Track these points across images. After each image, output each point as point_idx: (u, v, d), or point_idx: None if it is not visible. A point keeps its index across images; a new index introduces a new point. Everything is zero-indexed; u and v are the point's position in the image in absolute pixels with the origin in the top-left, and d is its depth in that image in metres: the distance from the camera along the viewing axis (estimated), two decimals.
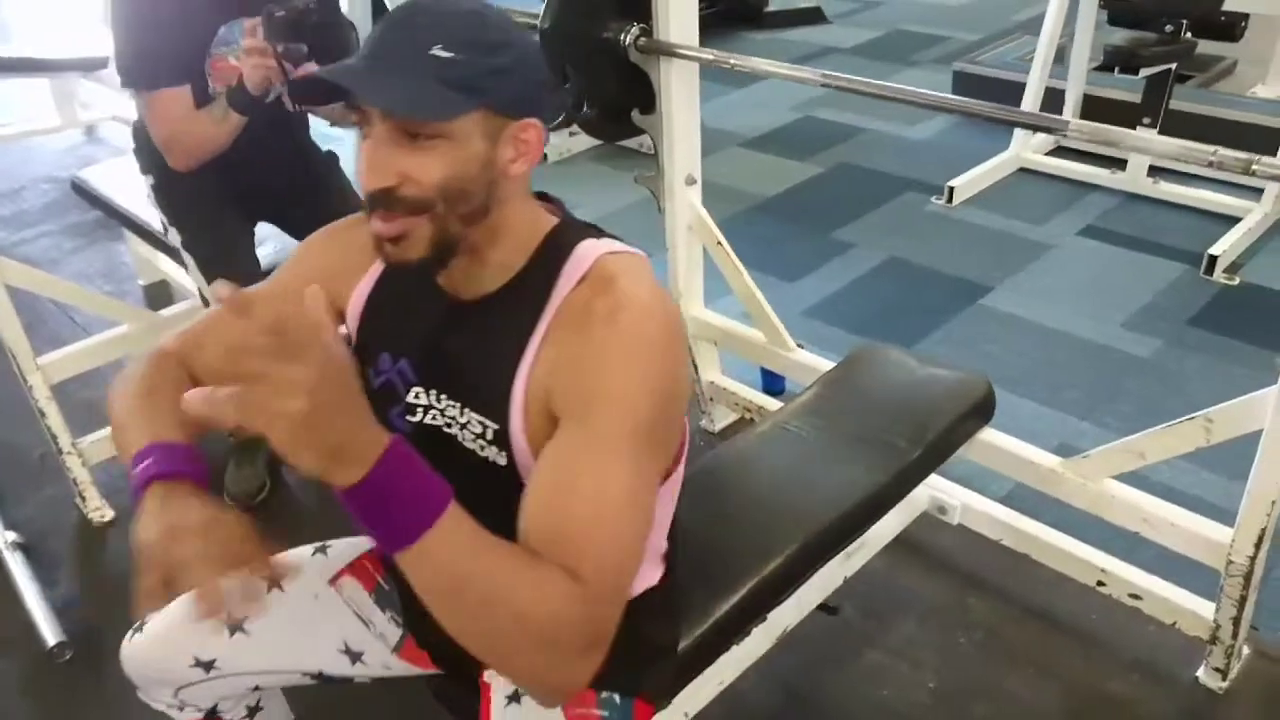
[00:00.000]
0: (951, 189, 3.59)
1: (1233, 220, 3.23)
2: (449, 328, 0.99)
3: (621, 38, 1.89)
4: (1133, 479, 1.72)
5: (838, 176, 3.96)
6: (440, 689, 1.24)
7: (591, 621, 0.82)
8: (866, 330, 2.85)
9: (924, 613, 1.94)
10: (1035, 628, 1.90)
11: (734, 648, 1.46)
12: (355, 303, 1.06)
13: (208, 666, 1.15)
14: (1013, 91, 3.83)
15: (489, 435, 0.96)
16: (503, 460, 0.96)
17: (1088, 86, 3.87)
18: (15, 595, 2.05)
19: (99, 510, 2.28)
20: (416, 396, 1.01)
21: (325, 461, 0.71)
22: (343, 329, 1.07)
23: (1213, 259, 3.03)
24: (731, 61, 1.79)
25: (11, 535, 2.17)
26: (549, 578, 0.81)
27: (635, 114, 2.00)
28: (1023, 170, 3.83)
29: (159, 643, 1.17)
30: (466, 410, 0.98)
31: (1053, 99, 3.79)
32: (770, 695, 1.76)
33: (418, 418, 1.01)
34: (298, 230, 2.21)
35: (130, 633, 1.21)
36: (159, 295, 3.26)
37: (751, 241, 3.39)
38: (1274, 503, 1.47)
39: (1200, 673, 1.75)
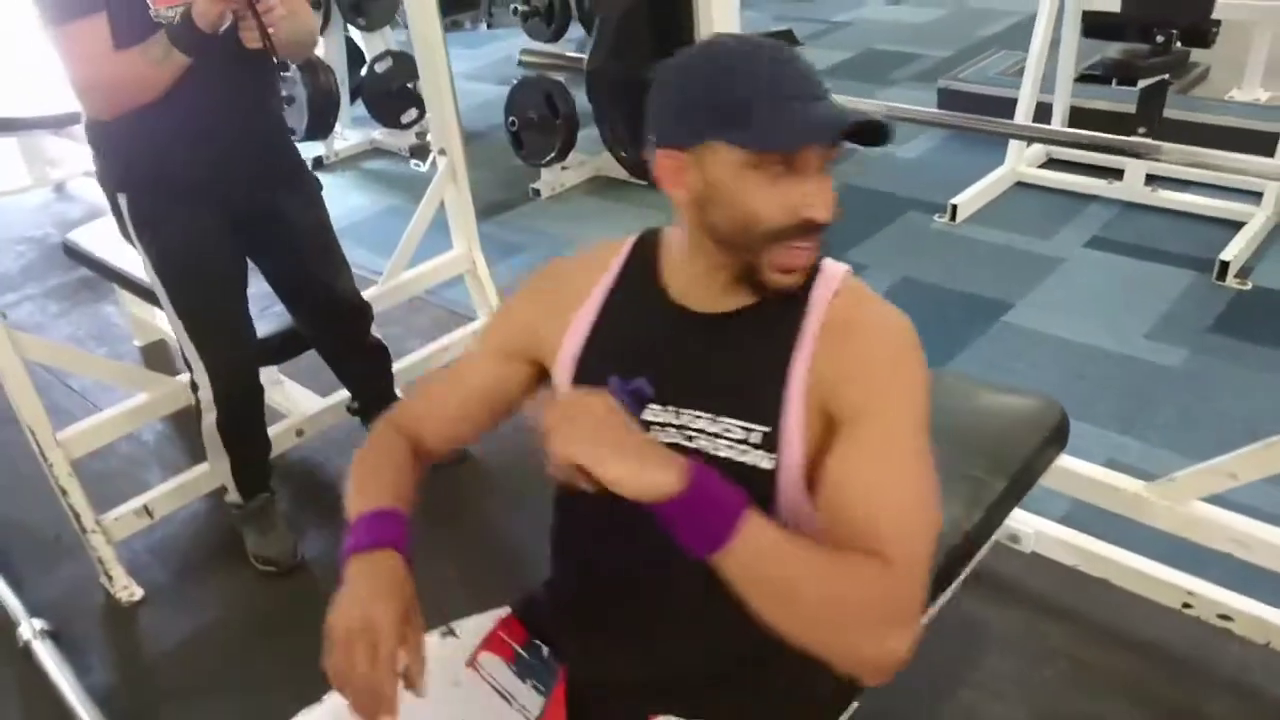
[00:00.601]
0: (954, 206, 3.60)
1: (1232, 225, 3.28)
2: (697, 341, 1.04)
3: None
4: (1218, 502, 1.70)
5: (840, 198, 3.93)
6: None
7: (906, 600, 0.89)
8: None
9: (1003, 645, 1.90)
10: (1118, 653, 1.87)
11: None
12: (575, 335, 1.10)
13: None
14: (1001, 107, 3.87)
15: (754, 439, 0.98)
16: (767, 464, 0.98)
17: (1074, 100, 3.93)
18: (50, 687, 1.93)
19: (127, 589, 2.18)
20: (655, 415, 1.03)
21: (652, 471, 0.84)
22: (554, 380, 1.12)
23: (1224, 265, 3.06)
24: None
25: (39, 623, 2.05)
26: (862, 561, 0.88)
27: None
28: (1019, 184, 3.86)
29: None
30: (721, 419, 1.00)
31: (1040, 112, 3.83)
32: None
33: (652, 434, 1.02)
34: (268, 246, 2.06)
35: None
36: (157, 355, 3.15)
37: None
38: None
39: None
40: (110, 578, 2.17)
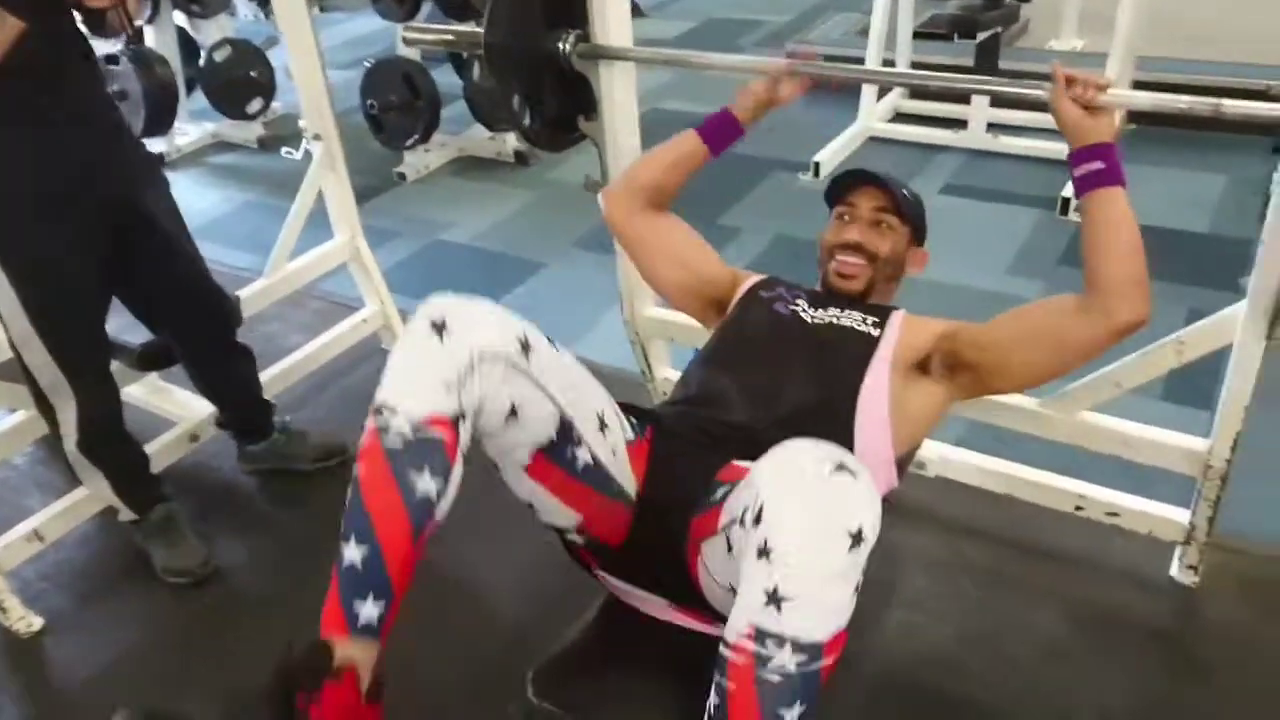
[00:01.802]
0: (817, 164, 3.75)
1: (1066, 164, 3.54)
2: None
3: (561, 46, 1.86)
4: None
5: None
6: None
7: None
8: None
9: (926, 566, 2.03)
10: (1026, 559, 2.03)
11: None
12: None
13: (526, 349, 1.19)
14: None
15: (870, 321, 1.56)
16: (876, 332, 1.53)
17: (915, 55, 4.14)
18: None
19: (24, 620, 2.04)
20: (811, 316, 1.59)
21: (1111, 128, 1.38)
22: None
23: (1065, 201, 3.32)
24: (664, 57, 1.80)
25: None
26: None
27: (580, 120, 1.98)
28: (873, 139, 4.05)
29: (491, 311, 1.22)
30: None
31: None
32: None
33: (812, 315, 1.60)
34: (136, 247, 1.92)
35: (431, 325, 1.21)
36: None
37: None
38: (1246, 408, 1.64)
39: (1174, 571, 1.92)
40: (4, 610, 2.03)
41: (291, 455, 2.35)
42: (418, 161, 4.07)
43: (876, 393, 1.44)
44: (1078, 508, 1.95)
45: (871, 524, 0.99)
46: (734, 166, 3.95)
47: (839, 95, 4.20)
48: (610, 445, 1.29)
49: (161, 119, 4.22)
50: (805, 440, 1.06)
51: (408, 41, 2.02)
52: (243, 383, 2.29)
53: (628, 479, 1.31)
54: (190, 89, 4.57)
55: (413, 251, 3.57)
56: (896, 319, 1.56)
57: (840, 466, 0.98)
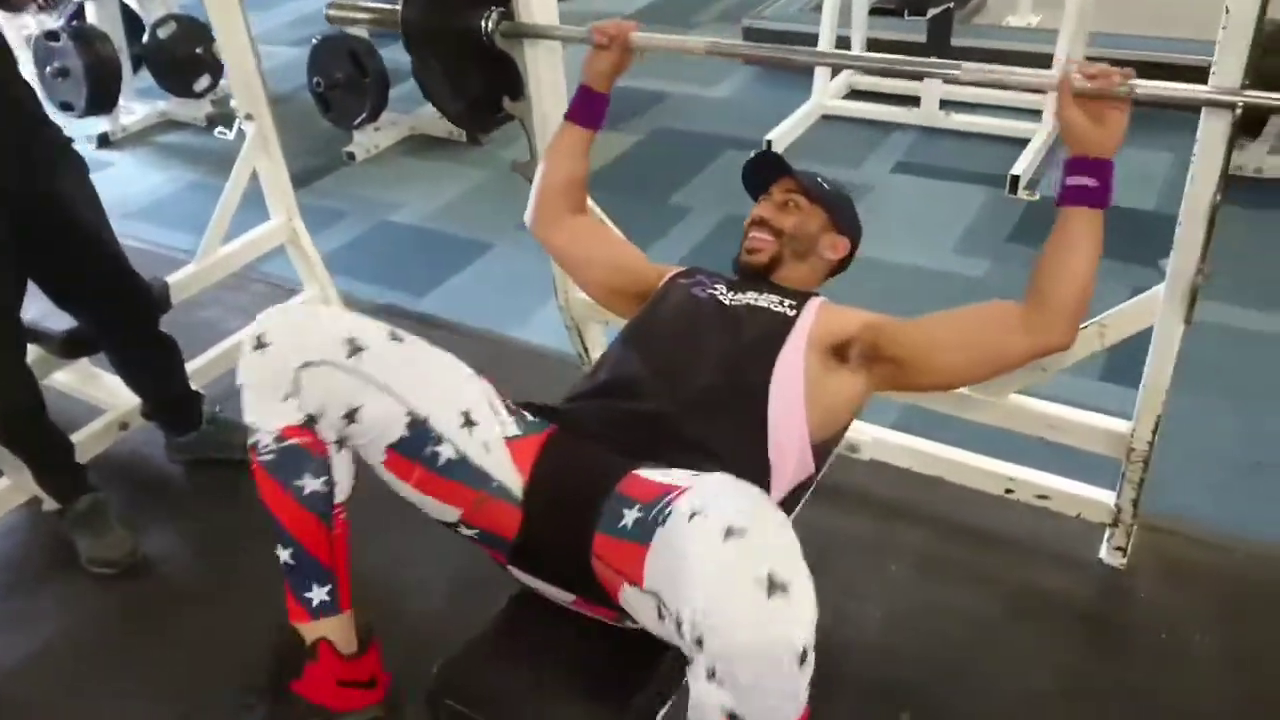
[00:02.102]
0: (769, 142, 3.71)
1: (1019, 142, 3.53)
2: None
3: (482, 24, 1.82)
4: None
5: (658, 142, 4.01)
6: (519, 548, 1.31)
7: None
8: None
9: (855, 548, 2.03)
10: (956, 542, 2.03)
11: None
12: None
13: (356, 350, 1.21)
14: (804, 42, 3.99)
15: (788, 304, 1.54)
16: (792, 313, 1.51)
17: (870, 31, 4.11)
18: None
19: None
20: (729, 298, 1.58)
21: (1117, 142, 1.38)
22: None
23: (1014, 179, 3.31)
24: (596, 40, 1.75)
25: None
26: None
27: (506, 101, 1.94)
28: (825, 117, 4.02)
29: (313, 318, 1.27)
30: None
31: (840, 46, 3.98)
32: None
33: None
34: (50, 234, 1.88)
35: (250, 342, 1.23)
36: None
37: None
38: (1167, 391, 1.64)
39: (1103, 553, 1.93)
40: None
41: (222, 445, 2.31)
42: (367, 140, 4.01)
43: (791, 372, 1.43)
44: (1008, 490, 1.95)
45: (810, 635, 0.99)
46: (685, 146, 3.94)
47: (790, 74, 4.17)
48: (481, 440, 1.27)
49: (104, 97, 4.12)
50: (721, 493, 1.07)
51: (330, 19, 1.97)
52: (166, 374, 2.25)
53: (509, 475, 1.28)
54: (137, 67, 4.47)
55: (360, 233, 3.52)
56: (814, 303, 1.55)
57: (773, 585, 0.96)
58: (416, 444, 1.24)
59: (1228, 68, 1.33)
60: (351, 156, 4.01)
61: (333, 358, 1.20)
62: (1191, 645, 1.77)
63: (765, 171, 1.74)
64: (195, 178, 4.04)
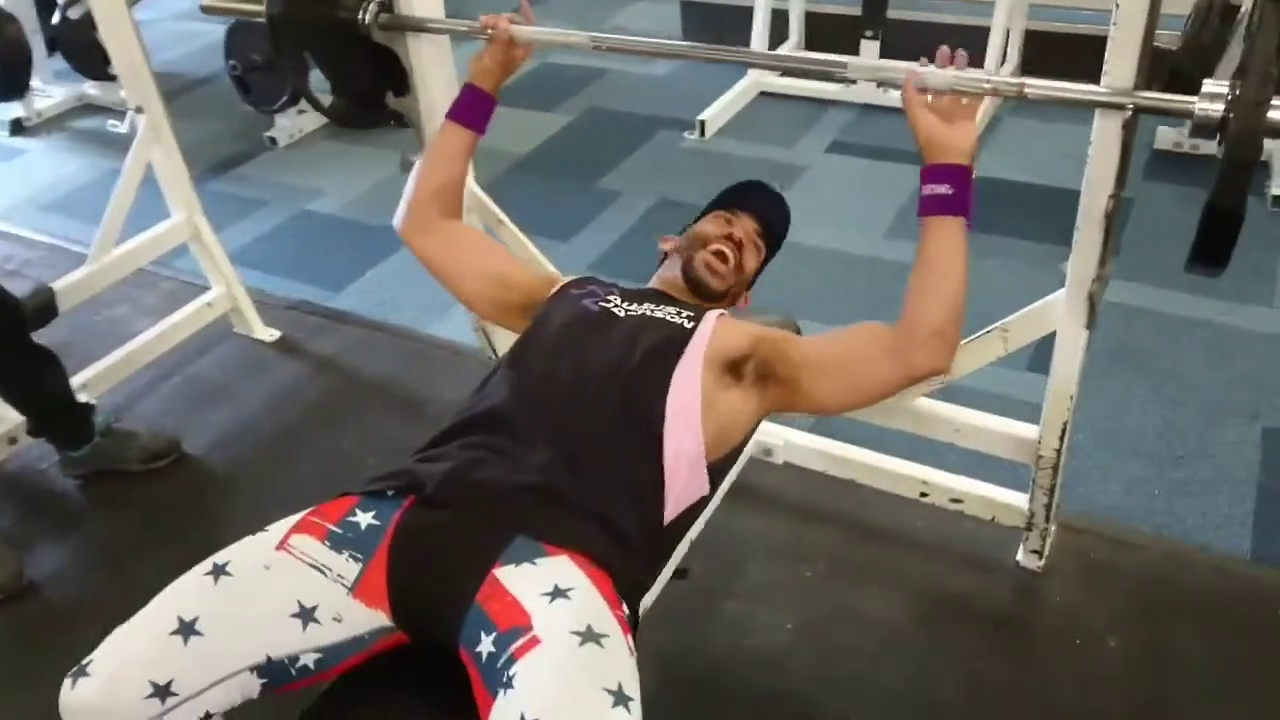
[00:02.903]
0: (703, 122, 3.62)
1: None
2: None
3: (360, 17, 1.72)
4: (946, 393, 1.79)
5: (589, 123, 3.90)
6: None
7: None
8: (648, 277, 2.84)
9: (767, 554, 1.98)
10: (871, 546, 1.98)
11: None
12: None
13: (164, 693, 1.06)
14: (741, 17, 3.90)
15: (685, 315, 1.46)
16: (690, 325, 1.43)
17: (807, 4, 4.02)
18: None
19: None
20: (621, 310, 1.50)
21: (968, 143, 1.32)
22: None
23: None
24: (489, 32, 1.65)
25: None
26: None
27: (390, 97, 1.84)
28: (763, 94, 3.92)
29: (108, 681, 1.05)
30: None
31: (777, 18, 3.89)
32: (644, 674, 1.74)
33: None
34: None
35: (70, 678, 1.05)
36: None
37: (519, 203, 3.22)
38: (1072, 398, 1.58)
39: (1020, 556, 1.89)
40: None
41: (118, 458, 2.21)
42: (290, 125, 3.87)
43: (686, 389, 1.36)
44: (922, 494, 1.90)
45: None
46: (616, 126, 3.83)
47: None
48: (330, 617, 1.15)
49: (14, 82, 3.92)
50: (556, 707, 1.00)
51: (204, 8, 1.85)
52: (47, 389, 2.12)
53: (372, 618, 1.17)
54: (51, 49, 4.28)
55: (278, 223, 3.39)
56: (711, 316, 1.48)
57: None
58: (279, 676, 1.14)
59: (1120, 68, 1.26)
60: (274, 141, 3.87)
61: (149, 714, 1.06)
62: (1104, 651, 1.74)
63: (751, 198, 1.70)
64: (115, 165, 3.85)
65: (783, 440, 1.99)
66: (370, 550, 1.19)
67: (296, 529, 1.21)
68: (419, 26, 1.74)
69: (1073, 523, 1.94)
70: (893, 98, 3.68)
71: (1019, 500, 1.82)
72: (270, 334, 2.73)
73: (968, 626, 1.82)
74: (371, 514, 1.22)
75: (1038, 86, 1.30)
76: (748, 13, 3.85)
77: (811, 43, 4.11)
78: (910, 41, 3.80)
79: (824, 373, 1.40)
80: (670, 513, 1.32)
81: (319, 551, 1.19)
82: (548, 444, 1.28)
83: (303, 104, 3.87)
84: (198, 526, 2.12)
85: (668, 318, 1.46)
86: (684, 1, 4.48)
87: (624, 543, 1.23)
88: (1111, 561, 1.91)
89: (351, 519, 1.22)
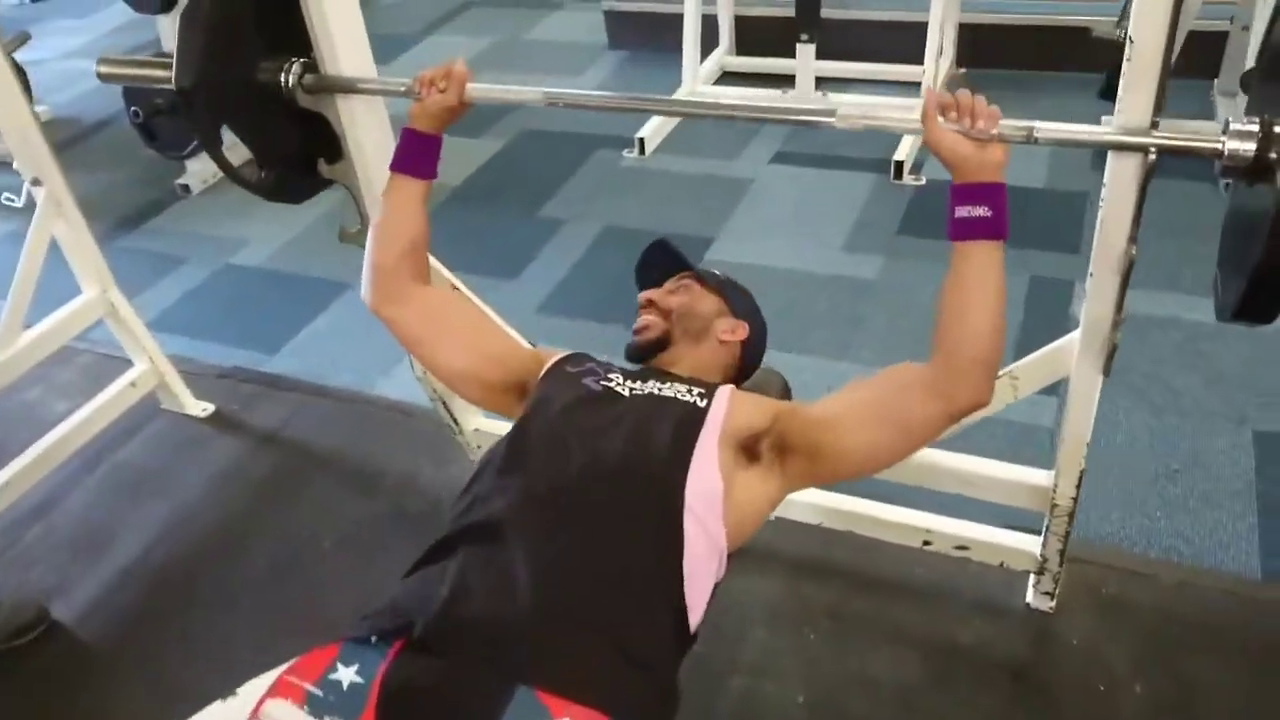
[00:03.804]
0: (642, 140, 3.49)
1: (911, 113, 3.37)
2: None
3: (282, 79, 1.55)
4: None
5: (523, 147, 3.73)
6: None
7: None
8: (606, 314, 2.69)
9: (768, 617, 1.87)
10: (874, 599, 1.88)
11: None
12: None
13: None
14: (669, 23, 3.78)
15: (696, 392, 1.34)
16: (702, 403, 1.31)
17: (737, 8, 3.91)
18: None
19: None
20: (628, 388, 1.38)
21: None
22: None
23: (899, 165, 3.16)
24: (420, 92, 1.48)
25: None
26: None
27: (321, 164, 1.67)
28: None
29: None
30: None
31: (707, 24, 3.78)
32: None
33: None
34: None
35: None
36: None
37: (457, 239, 3.11)
38: (1088, 444, 1.49)
39: (1030, 598, 1.81)
40: None
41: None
42: (203, 169, 3.62)
43: (707, 474, 1.22)
44: (925, 542, 1.81)
45: None
46: (551, 149, 3.67)
47: (660, 56, 3.94)
48: None
49: None
50: None
51: (101, 76, 1.66)
52: None
53: None
54: None
55: (200, 280, 3.17)
56: (724, 392, 1.35)
57: None
58: None
59: (1135, 104, 1.16)
60: (186, 189, 3.63)
61: None
62: (1130, 696, 1.66)
63: (659, 266, 1.59)
64: (12, 227, 3.61)
65: None
66: (355, 715, 1.04)
67: (272, 693, 1.06)
68: (349, 88, 1.57)
69: (1078, 553, 1.85)
70: (832, 102, 3.61)
71: (1029, 544, 1.73)
72: (203, 408, 2.53)
73: (986, 681, 1.72)
74: (354, 668, 1.07)
75: (1045, 130, 1.19)
76: (674, 19, 3.72)
77: (743, 47, 4.01)
78: (846, 42, 3.75)
79: (854, 427, 1.27)
80: (695, 618, 1.19)
81: (297, 718, 1.04)
82: (556, 557, 1.14)
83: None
84: (139, 662, 1.90)
85: (678, 396, 1.33)
86: (608, 10, 4.33)
87: (646, 669, 1.10)
88: (1124, 595, 1.83)
89: (333, 676, 1.06)
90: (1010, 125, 1.20)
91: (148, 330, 2.46)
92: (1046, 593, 1.77)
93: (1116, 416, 2.23)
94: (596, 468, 1.21)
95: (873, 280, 2.77)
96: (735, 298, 1.55)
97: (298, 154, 1.65)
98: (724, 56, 3.98)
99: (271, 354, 2.76)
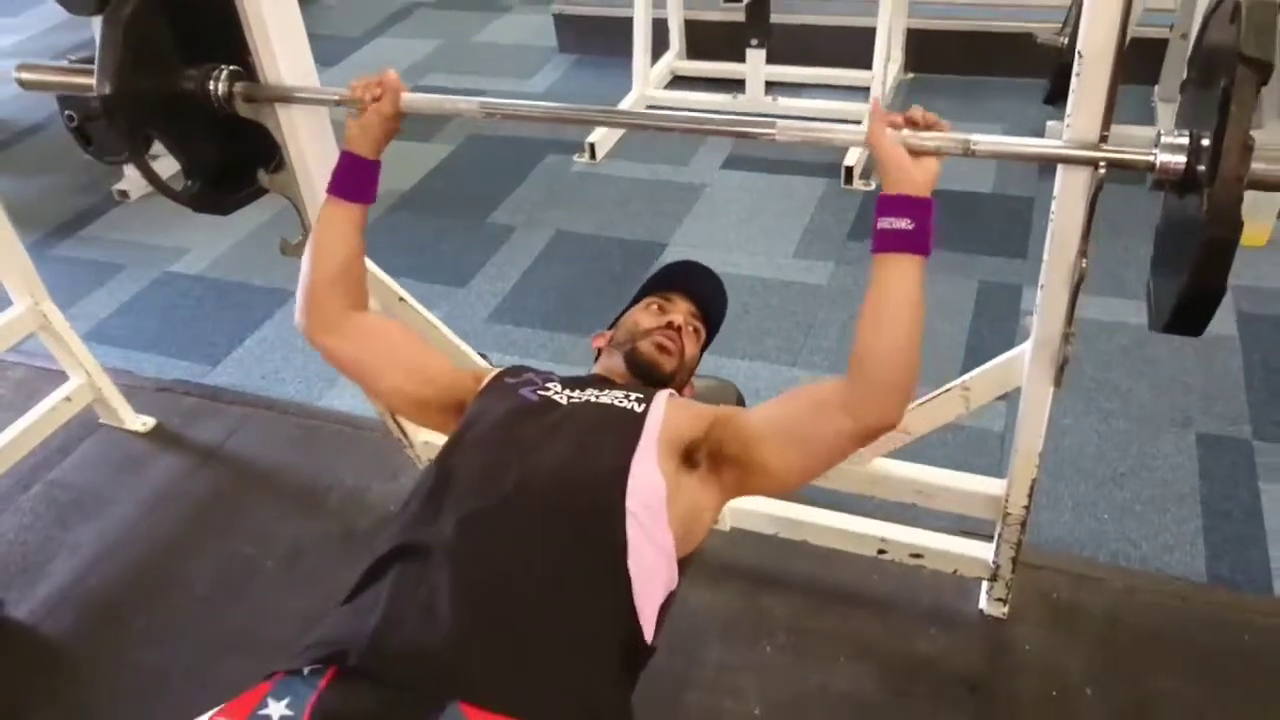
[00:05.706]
0: (592, 145, 3.46)
1: (850, 124, 3.39)
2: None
3: (212, 88, 1.49)
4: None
5: (471, 152, 3.68)
6: None
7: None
8: (558, 323, 2.67)
9: (723, 630, 1.85)
10: (830, 611, 1.87)
11: None
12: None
13: None
14: (619, 27, 3.75)
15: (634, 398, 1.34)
16: (640, 409, 1.31)
17: (687, 12, 3.90)
18: None
19: None
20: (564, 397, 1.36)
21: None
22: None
23: (849, 170, 3.17)
24: (367, 99, 1.44)
25: None
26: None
27: (261, 174, 1.62)
28: (650, 109, 3.77)
29: None
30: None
31: (658, 28, 3.76)
32: None
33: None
34: None
35: None
36: None
37: (404, 247, 3.06)
38: (1040, 454, 1.49)
39: (983, 605, 1.81)
40: None
41: None
42: (139, 178, 3.51)
43: (649, 477, 1.20)
44: (880, 551, 1.80)
45: None
46: (501, 153, 3.63)
47: (610, 60, 3.92)
48: None
49: None
50: None
51: (22, 83, 1.60)
52: None
53: None
54: None
55: (139, 289, 3.07)
56: (662, 396, 1.34)
57: None
58: None
59: (1084, 118, 1.16)
60: (124, 195, 3.53)
61: None
62: (1083, 702, 1.67)
63: (683, 278, 1.63)
64: None
65: (731, 505, 1.85)
66: (303, 699, 1.01)
67: None
68: (284, 97, 1.52)
69: (1029, 558, 1.86)
70: (782, 106, 3.61)
71: (982, 551, 1.74)
72: (143, 423, 2.45)
73: (943, 692, 1.72)
74: (285, 702, 1.02)
75: (985, 143, 1.17)
76: (624, 23, 3.69)
77: (694, 52, 4.00)
78: (796, 47, 3.75)
79: (776, 442, 1.24)
80: (649, 627, 1.16)
81: None
82: (486, 573, 1.11)
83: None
84: (71, 695, 1.82)
85: (615, 402, 1.32)
86: (557, 14, 4.30)
87: (580, 677, 1.08)
88: (1075, 600, 1.84)
89: (263, 712, 1.02)
90: (948, 138, 1.18)
91: (83, 343, 2.37)
92: (1000, 599, 1.78)
93: (1065, 419, 2.25)
94: (533, 477, 1.19)
95: (823, 285, 2.77)
96: (711, 338, 1.63)
97: (231, 163, 1.60)
98: (674, 61, 3.96)
99: (213, 366, 2.69)
